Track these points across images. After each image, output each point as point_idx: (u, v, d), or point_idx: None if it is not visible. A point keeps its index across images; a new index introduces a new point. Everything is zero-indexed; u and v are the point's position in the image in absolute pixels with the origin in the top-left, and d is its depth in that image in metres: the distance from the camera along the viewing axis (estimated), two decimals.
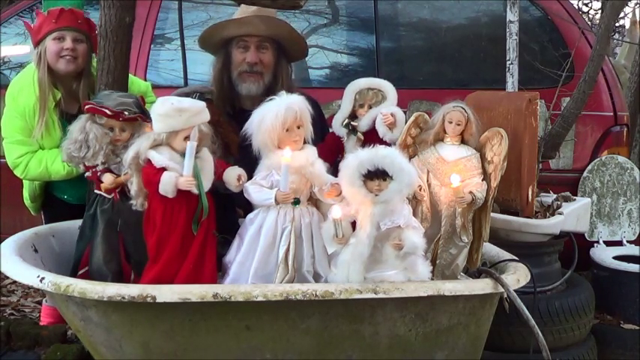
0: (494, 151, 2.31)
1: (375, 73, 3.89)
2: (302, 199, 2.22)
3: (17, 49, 4.36)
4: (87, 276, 2.26)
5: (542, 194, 3.25)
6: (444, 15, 4.22)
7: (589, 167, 3.83)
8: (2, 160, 3.20)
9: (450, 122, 2.32)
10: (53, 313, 3.18)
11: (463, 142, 2.35)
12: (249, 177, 2.26)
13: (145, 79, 3.86)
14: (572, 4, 4.44)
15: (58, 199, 3.09)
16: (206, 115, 2.19)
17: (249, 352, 2.09)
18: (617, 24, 7.13)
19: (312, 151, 2.27)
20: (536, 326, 2.25)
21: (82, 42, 2.91)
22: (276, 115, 2.18)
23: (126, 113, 2.26)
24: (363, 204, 2.09)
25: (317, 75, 4.30)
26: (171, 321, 2.04)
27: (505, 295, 2.24)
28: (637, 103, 5.35)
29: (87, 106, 2.29)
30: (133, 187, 2.19)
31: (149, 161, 2.13)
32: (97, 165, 2.27)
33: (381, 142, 2.49)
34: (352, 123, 2.57)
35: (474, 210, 2.32)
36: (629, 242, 3.81)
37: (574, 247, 3.20)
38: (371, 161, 2.05)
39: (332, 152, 2.59)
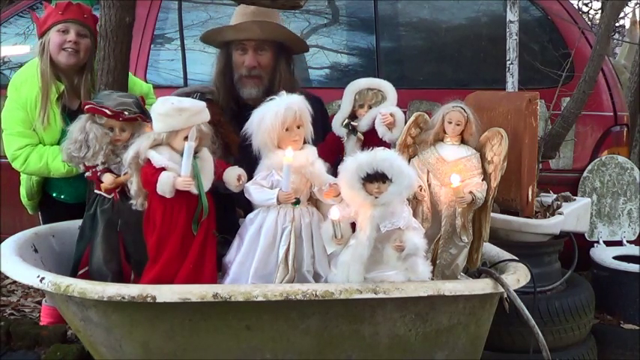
0: (494, 151, 2.31)
1: (375, 73, 3.90)
2: (302, 199, 2.22)
3: (17, 49, 4.36)
4: (87, 276, 2.26)
5: (542, 194, 3.25)
6: (444, 15, 4.22)
7: (589, 167, 3.83)
8: (2, 160, 3.20)
9: (450, 122, 2.32)
10: (53, 313, 3.18)
11: (463, 142, 2.35)
12: (249, 177, 2.26)
13: (145, 79, 3.86)
14: (572, 4, 4.43)
15: (54, 199, 3.09)
16: (206, 115, 2.19)
17: (249, 352, 2.09)
18: (617, 24, 7.12)
19: (312, 151, 2.27)
20: (536, 326, 2.25)
21: (85, 36, 2.93)
22: (275, 115, 2.18)
23: (126, 113, 2.26)
24: (362, 206, 2.09)
25: (317, 75, 4.30)
26: (171, 321, 2.04)
27: (505, 295, 2.24)
28: (637, 103, 5.34)
29: (87, 106, 2.29)
30: (133, 186, 2.19)
31: (148, 161, 2.13)
32: (97, 165, 2.27)
33: (381, 142, 2.49)
34: (352, 123, 2.57)
35: (473, 210, 2.32)
36: (629, 242, 3.81)
37: (574, 247, 3.20)
38: (370, 164, 2.05)
39: (332, 152, 2.59)
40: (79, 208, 2.79)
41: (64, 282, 2.03)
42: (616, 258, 3.51)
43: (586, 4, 7.42)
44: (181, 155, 2.11)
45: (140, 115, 2.28)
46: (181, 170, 2.09)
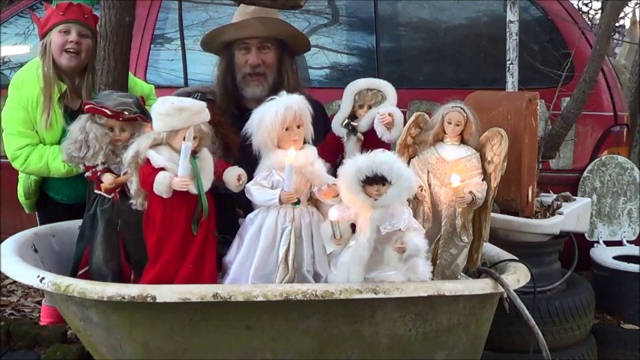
0: (494, 151, 2.31)
1: (375, 73, 3.90)
2: (302, 199, 2.22)
3: (17, 49, 4.36)
4: (87, 276, 2.26)
5: (542, 194, 3.25)
6: (444, 15, 4.22)
7: (589, 167, 3.83)
8: (2, 160, 3.20)
9: (450, 123, 2.32)
10: (53, 313, 3.18)
11: (463, 142, 2.35)
12: (250, 177, 2.26)
13: (145, 79, 3.86)
14: (572, 4, 4.43)
15: (52, 199, 3.09)
16: (206, 115, 2.19)
17: (249, 352, 2.09)
18: (617, 24, 7.12)
19: (312, 151, 2.27)
20: (536, 326, 2.25)
21: (87, 37, 2.93)
22: (275, 114, 2.18)
23: (126, 113, 2.26)
24: (362, 208, 2.08)
25: (317, 75, 4.30)
26: (171, 321, 2.04)
27: (505, 295, 2.24)
28: (637, 103, 5.34)
29: (87, 106, 2.29)
30: (133, 186, 2.19)
31: (147, 160, 2.13)
32: (97, 165, 2.27)
33: (381, 142, 2.49)
34: (352, 123, 2.57)
35: (474, 210, 2.32)
36: (629, 242, 3.81)
37: (574, 247, 3.20)
38: (369, 167, 2.04)
39: (332, 152, 2.59)
40: (76, 208, 2.80)
41: (64, 282, 2.03)
42: (616, 258, 3.51)
43: (586, 4, 7.42)
44: None
45: (140, 115, 2.28)
46: (178, 170, 2.09)
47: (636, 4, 6.95)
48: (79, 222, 2.42)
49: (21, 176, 3.07)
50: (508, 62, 3.54)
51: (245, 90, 2.92)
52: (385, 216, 2.06)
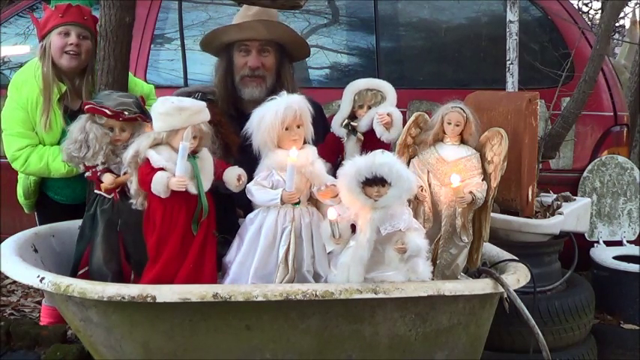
0: (494, 151, 2.31)
1: (375, 73, 3.89)
2: (302, 199, 2.22)
3: (17, 49, 4.36)
4: (87, 276, 2.26)
5: (542, 194, 3.25)
6: (444, 15, 4.22)
7: (589, 167, 3.83)
8: (2, 160, 3.20)
9: (449, 123, 2.32)
10: (53, 313, 3.18)
11: (463, 142, 2.35)
12: (250, 177, 2.26)
13: (145, 79, 3.86)
14: (572, 4, 4.44)
15: (51, 199, 3.09)
16: (206, 115, 2.19)
17: (249, 352, 2.09)
18: (617, 24, 7.12)
19: (312, 151, 2.27)
20: (536, 326, 2.25)
21: (86, 38, 2.92)
22: (275, 113, 2.18)
23: (126, 113, 2.26)
24: (362, 209, 2.08)
25: (317, 75, 4.31)
26: (171, 321, 2.04)
27: (505, 295, 2.23)
28: (637, 103, 5.35)
29: (87, 106, 2.29)
30: (133, 186, 2.19)
31: (146, 160, 2.13)
32: (97, 165, 2.27)
33: (381, 142, 2.49)
34: (352, 123, 2.57)
35: (474, 210, 2.32)
36: (629, 242, 3.81)
37: (574, 247, 3.20)
38: (369, 169, 2.03)
39: (332, 152, 2.59)
40: (75, 208, 2.80)
41: (64, 282, 2.03)
42: (616, 258, 3.51)
43: (586, 4, 7.42)
44: None
45: (140, 115, 2.28)
46: (176, 170, 2.08)
47: (636, 4, 6.95)
48: (79, 222, 2.42)
49: (20, 176, 3.06)
50: (508, 62, 3.54)
51: (243, 91, 2.91)
52: (385, 217, 2.06)
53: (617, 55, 7.84)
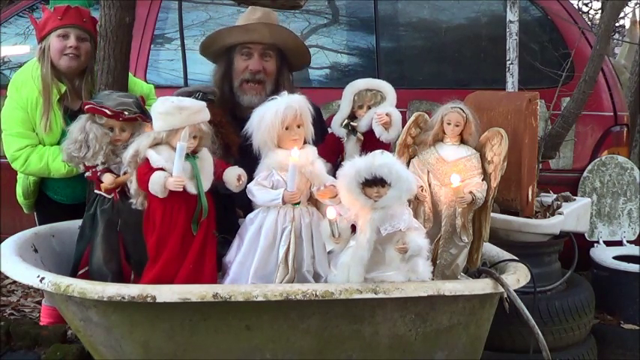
0: (494, 151, 2.31)
1: (375, 73, 3.90)
2: (302, 199, 2.22)
3: (17, 49, 4.36)
4: (87, 276, 2.26)
5: (542, 194, 3.25)
6: (444, 15, 4.23)
7: (589, 167, 3.83)
8: (2, 160, 3.20)
9: (449, 123, 2.32)
10: (53, 313, 3.18)
11: (463, 142, 2.35)
12: (250, 177, 2.26)
13: (145, 79, 3.86)
14: (572, 4, 4.44)
15: (50, 199, 3.08)
16: (206, 114, 2.19)
17: (249, 352, 2.09)
18: (617, 24, 7.13)
19: (312, 151, 2.27)
20: (536, 326, 2.25)
21: (85, 40, 2.92)
22: (275, 113, 2.18)
23: (126, 113, 2.26)
24: (362, 210, 2.08)
25: (317, 75, 4.30)
26: (171, 321, 2.04)
27: (505, 295, 2.23)
28: (637, 103, 5.35)
29: (87, 106, 2.29)
30: (133, 185, 2.19)
31: (145, 160, 2.13)
32: (97, 165, 2.27)
33: (381, 142, 2.49)
34: (352, 124, 2.57)
35: (474, 210, 2.32)
36: (629, 242, 3.81)
37: (574, 247, 3.20)
38: (368, 170, 2.03)
39: (332, 153, 2.59)
40: (75, 208, 2.80)
41: (64, 282, 2.03)
42: (616, 258, 3.51)
43: (586, 4, 7.43)
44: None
45: (140, 115, 2.28)
46: (173, 170, 2.08)
47: (636, 4, 6.95)
48: (79, 222, 2.42)
49: (20, 176, 3.06)
50: (508, 62, 3.54)
51: (242, 98, 2.89)
52: (385, 217, 2.06)
53: (617, 55, 7.84)
